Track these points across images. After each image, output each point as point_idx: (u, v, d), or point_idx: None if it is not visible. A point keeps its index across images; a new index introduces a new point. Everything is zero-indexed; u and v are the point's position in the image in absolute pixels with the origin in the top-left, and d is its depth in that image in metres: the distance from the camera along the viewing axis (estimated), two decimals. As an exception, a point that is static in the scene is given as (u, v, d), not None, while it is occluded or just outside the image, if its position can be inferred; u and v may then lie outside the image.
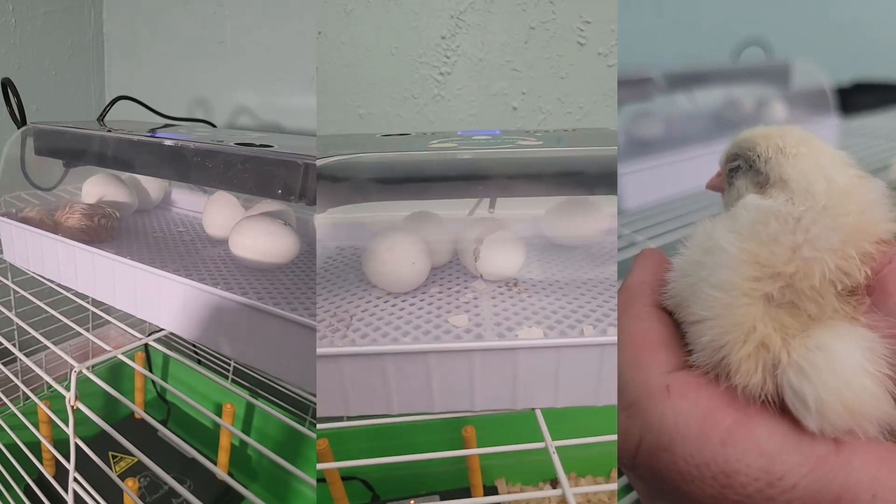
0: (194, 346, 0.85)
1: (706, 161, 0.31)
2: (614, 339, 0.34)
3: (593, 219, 0.54)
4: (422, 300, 0.44)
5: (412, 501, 0.63)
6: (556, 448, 0.34)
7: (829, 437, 0.16)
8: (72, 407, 0.42)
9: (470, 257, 0.47)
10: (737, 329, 0.18)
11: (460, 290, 0.46)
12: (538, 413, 0.36)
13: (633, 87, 0.68)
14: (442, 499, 0.63)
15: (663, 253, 0.24)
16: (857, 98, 0.97)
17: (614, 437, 0.20)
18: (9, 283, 0.62)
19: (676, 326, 0.21)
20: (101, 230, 0.56)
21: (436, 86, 0.77)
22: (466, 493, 0.62)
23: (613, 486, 0.35)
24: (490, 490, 0.66)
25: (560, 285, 0.46)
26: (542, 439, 0.34)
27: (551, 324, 0.40)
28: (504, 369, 0.36)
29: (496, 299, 0.44)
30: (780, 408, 0.17)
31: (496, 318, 0.41)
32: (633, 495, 0.46)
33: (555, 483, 0.68)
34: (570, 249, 0.55)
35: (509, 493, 0.69)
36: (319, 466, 0.38)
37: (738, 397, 0.17)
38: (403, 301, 0.44)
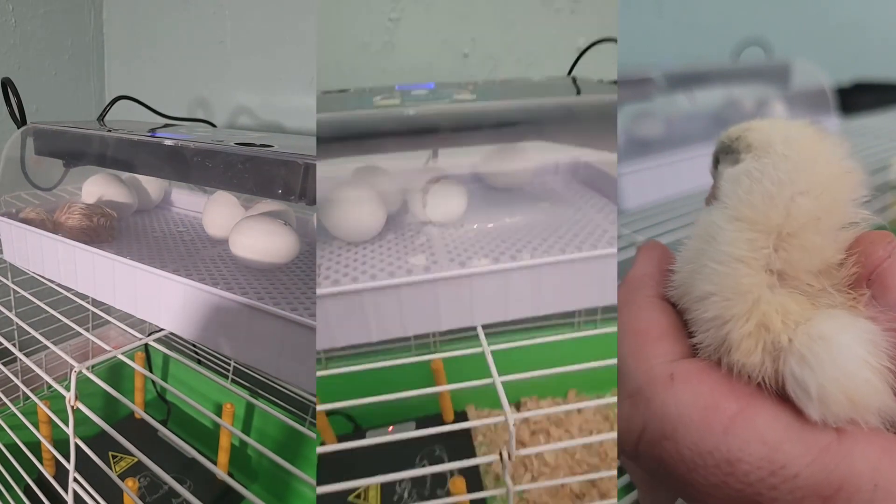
0: (194, 346, 0.85)
1: (706, 161, 0.32)
2: (548, 260, 0.42)
3: (522, 162, 0.60)
4: (380, 246, 0.48)
5: (391, 428, 0.71)
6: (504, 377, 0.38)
7: (831, 428, 0.16)
8: (72, 407, 0.42)
9: (419, 205, 0.51)
10: (740, 300, 0.18)
11: (414, 235, 0.50)
12: (487, 353, 0.40)
13: (633, 87, 0.68)
14: (417, 426, 0.70)
15: (666, 246, 0.24)
16: (857, 98, 0.97)
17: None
18: (9, 283, 0.62)
19: (680, 318, 0.21)
20: (101, 230, 0.56)
21: (386, 33, 0.76)
22: (439, 418, 0.72)
23: (613, 399, 0.36)
24: (460, 415, 0.74)
25: (499, 224, 0.51)
26: (506, 370, 0.38)
27: (497, 255, 0.45)
28: (462, 293, 0.42)
29: (447, 240, 0.48)
30: (782, 397, 0.17)
31: (450, 255, 0.45)
32: (633, 495, 0.46)
33: (517, 406, 0.77)
34: (504, 191, 0.61)
35: (478, 417, 0.75)
36: (320, 450, 0.38)
37: (741, 386, 0.17)
38: (364, 249, 0.47)
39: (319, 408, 0.39)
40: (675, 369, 0.18)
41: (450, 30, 0.75)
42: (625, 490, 0.47)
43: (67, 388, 0.42)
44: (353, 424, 0.72)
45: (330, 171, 0.55)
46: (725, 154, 0.25)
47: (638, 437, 0.17)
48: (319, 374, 0.40)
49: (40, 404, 0.56)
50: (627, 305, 0.21)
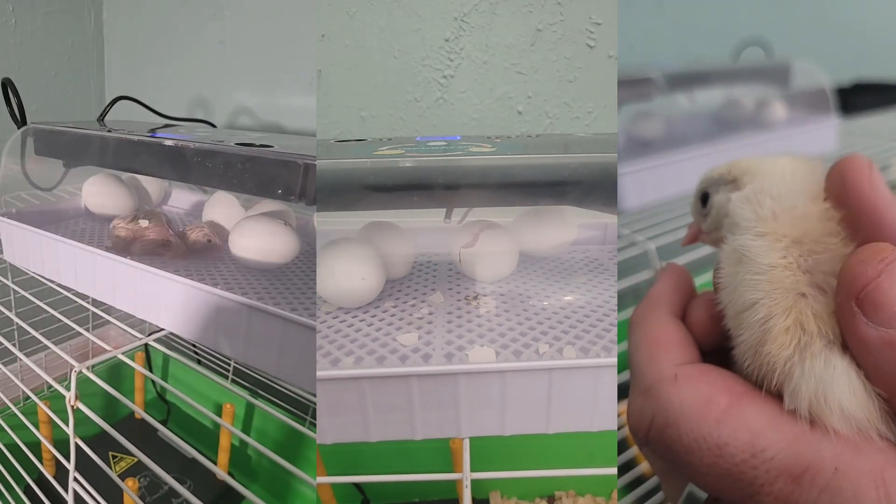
0: (194, 346, 0.85)
1: (706, 161, 0.32)
2: (565, 362, 0.33)
3: (559, 229, 0.51)
4: (373, 316, 0.42)
5: None
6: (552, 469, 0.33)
7: (804, 419, 0.19)
8: (72, 407, 0.42)
9: (456, 259, 0.46)
10: (784, 297, 0.20)
11: (416, 305, 0.44)
12: (466, 442, 0.34)
13: (633, 87, 0.68)
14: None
15: (684, 268, 0.27)
16: (857, 98, 0.97)
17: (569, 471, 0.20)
18: (9, 283, 0.62)
19: (687, 331, 0.24)
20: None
21: (439, 89, 0.76)
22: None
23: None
24: (481, 502, 0.67)
25: (522, 299, 0.44)
26: (535, 457, 0.33)
27: (505, 342, 0.37)
28: (444, 394, 0.34)
29: (452, 314, 0.42)
30: (767, 392, 0.20)
31: (448, 337, 0.39)
32: (633, 495, 0.46)
33: (551, 500, 0.69)
34: (537, 260, 0.52)
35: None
36: (319, 480, 0.38)
37: (735, 384, 0.21)
38: (354, 317, 0.42)
39: (322, 480, 0.37)
40: (679, 371, 0.21)
41: (505, 87, 0.74)
42: (625, 490, 0.47)
43: (67, 388, 0.42)
44: (362, 497, 0.66)
45: (327, 225, 0.50)
46: (718, 186, 0.26)
47: (648, 425, 0.21)
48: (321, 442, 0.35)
49: (40, 404, 0.56)
50: (646, 318, 0.24)
